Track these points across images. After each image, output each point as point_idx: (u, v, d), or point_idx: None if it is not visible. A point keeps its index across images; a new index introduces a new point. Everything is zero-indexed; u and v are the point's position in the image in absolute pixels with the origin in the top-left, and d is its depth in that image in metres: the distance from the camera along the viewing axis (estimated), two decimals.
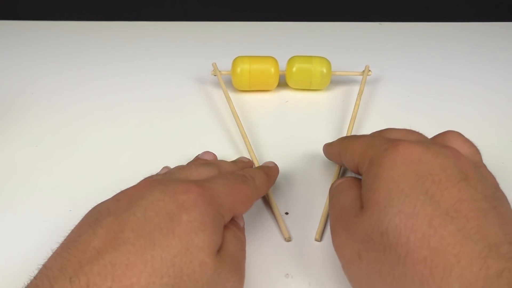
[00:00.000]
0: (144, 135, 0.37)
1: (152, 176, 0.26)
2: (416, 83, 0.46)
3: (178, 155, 0.33)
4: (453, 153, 0.22)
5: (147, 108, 0.41)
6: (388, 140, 0.23)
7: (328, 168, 0.33)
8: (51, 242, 0.22)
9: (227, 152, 0.35)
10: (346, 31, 0.60)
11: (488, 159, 0.34)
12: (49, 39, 0.57)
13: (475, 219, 0.18)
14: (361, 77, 0.44)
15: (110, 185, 0.27)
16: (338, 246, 0.23)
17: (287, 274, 0.25)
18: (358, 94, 0.41)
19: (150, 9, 0.67)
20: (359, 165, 0.24)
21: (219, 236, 0.21)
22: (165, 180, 0.23)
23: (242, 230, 0.25)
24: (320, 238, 0.27)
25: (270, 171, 0.29)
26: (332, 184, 0.27)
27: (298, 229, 0.28)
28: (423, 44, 0.56)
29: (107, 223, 0.20)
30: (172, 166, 0.28)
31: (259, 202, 0.30)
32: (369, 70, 0.44)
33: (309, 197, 0.31)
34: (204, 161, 0.29)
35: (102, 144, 0.36)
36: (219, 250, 0.21)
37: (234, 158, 0.33)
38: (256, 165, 0.33)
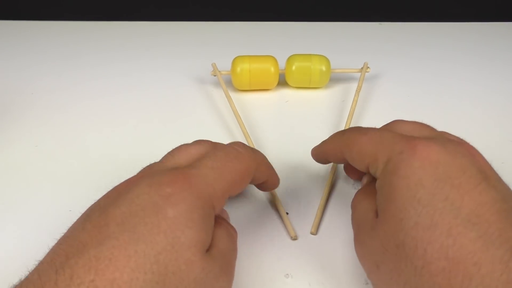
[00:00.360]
0: (144, 135, 0.37)
1: (150, 165, 0.25)
2: (416, 83, 0.46)
3: (183, 138, 0.33)
4: (469, 150, 0.21)
5: (147, 108, 0.41)
6: (401, 138, 0.22)
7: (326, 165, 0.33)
8: (51, 242, 0.22)
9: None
10: (346, 31, 0.60)
11: (488, 159, 0.34)
12: (49, 39, 0.57)
13: (497, 223, 0.18)
14: (359, 74, 0.45)
15: (110, 185, 0.27)
16: (360, 257, 0.22)
17: (287, 274, 0.25)
18: (356, 90, 0.41)
19: (150, 9, 0.67)
20: (370, 166, 0.23)
21: (208, 233, 0.20)
22: (152, 172, 0.22)
23: (229, 222, 0.24)
24: (316, 231, 0.28)
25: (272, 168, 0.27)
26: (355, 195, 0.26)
27: (298, 228, 0.28)
28: (423, 44, 0.56)
29: (94, 218, 0.20)
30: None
31: (259, 202, 0.30)
32: (368, 67, 0.45)
33: (308, 194, 0.31)
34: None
35: (102, 144, 0.36)
36: (210, 248, 0.21)
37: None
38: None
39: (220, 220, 0.23)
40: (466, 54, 0.53)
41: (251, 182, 0.25)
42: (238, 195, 0.30)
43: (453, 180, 0.19)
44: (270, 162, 0.27)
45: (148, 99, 0.43)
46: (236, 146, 0.24)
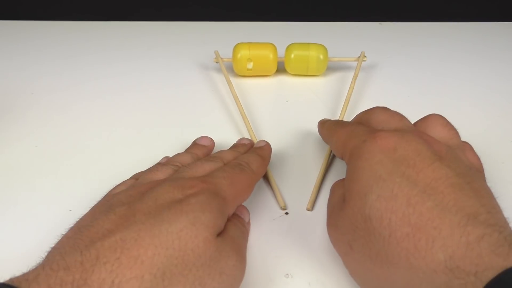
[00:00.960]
0: (148, 129, 0.37)
1: (156, 167, 0.28)
2: (416, 82, 0.46)
3: (183, 137, 0.36)
4: (426, 139, 0.23)
5: (150, 104, 0.41)
6: (368, 131, 0.25)
7: (322, 146, 0.34)
8: (51, 241, 0.22)
9: (229, 132, 0.38)
10: (346, 31, 0.60)
11: (488, 159, 0.35)
12: (49, 39, 0.57)
13: (451, 194, 0.20)
14: (356, 64, 0.46)
15: (110, 184, 0.27)
16: (333, 242, 0.24)
17: (287, 274, 0.25)
18: (353, 78, 0.43)
19: (150, 10, 0.67)
20: (343, 155, 0.26)
21: (222, 221, 0.22)
22: (174, 177, 0.25)
23: (245, 224, 0.27)
24: (312, 207, 0.29)
25: (263, 152, 0.31)
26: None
27: (298, 228, 0.28)
28: (423, 44, 0.56)
29: (120, 211, 0.22)
30: (176, 149, 0.32)
31: (259, 202, 0.30)
32: (365, 56, 0.46)
33: (303, 173, 0.33)
34: (205, 154, 0.32)
35: (102, 144, 0.36)
36: (221, 234, 0.22)
37: (235, 137, 0.36)
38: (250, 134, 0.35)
39: (231, 218, 0.25)
40: (466, 54, 0.53)
41: None
42: None
43: (409, 160, 0.21)
44: (267, 143, 0.32)
45: (152, 95, 0.43)
46: (241, 161, 0.28)
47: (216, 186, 0.24)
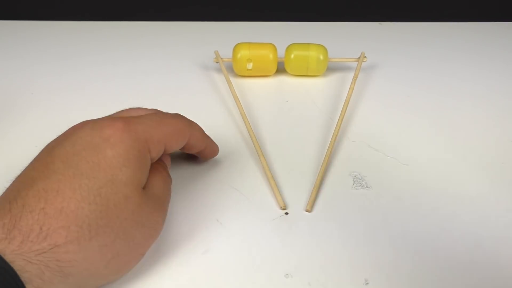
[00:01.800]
0: None
1: None
2: (416, 82, 0.46)
3: None
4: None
5: (151, 100, 0.41)
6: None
7: (322, 147, 0.33)
8: None
9: (229, 131, 0.38)
10: (346, 31, 0.60)
11: (488, 159, 0.35)
12: (49, 39, 0.57)
13: None
14: (356, 64, 0.46)
15: None
16: None
17: (287, 274, 0.25)
18: (353, 79, 0.43)
19: (150, 10, 0.67)
20: None
21: (143, 172, 0.23)
22: (98, 119, 0.25)
23: (169, 177, 0.27)
24: (311, 209, 0.29)
25: (209, 137, 0.31)
26: None
27: (298, 228, 0.28)
28: (423, 44, 0.56)
29: (42, 157, 0.23)
30: None
31: (259, 202, 0.30)
32: (365, 57, 0.46)
33: (303, 174, 0.32)
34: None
35: None
36: (145, 188, 0.24)
37: (235, 137, 0.37)
38: (255, 143, 0.35)
39: (157, 166, 0.26)
40: (466, 54, 0.53)
41: (191, 151, 0.30)
42: (237, 196, 0.31)
43: None
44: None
45: (152, 94, 0.43)
46: (175, 113, 0.28)
47: (139, 126, 0.24)
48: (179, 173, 0.32)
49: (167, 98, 0.43)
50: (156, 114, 0.26)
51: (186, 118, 0.28)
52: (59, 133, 0.37)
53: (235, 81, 0.45)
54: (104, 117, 0.25)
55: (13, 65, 0.50)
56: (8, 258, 0.18)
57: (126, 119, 0.24)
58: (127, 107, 0.42)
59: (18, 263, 0.19)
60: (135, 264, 0.24)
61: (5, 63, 0.50)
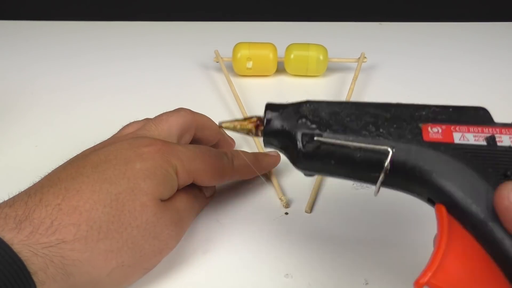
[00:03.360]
0: None
1: (131, 123, 0.29)
2: (416, 82, 0.46)
3: None
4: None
5: (151, 99, 0.42)
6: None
7: None
8: None
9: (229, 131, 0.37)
10: (346, 31, 0.60)
11: None
12: (49, 39, 0.56)
13: None
14: (356, 65, 0.46)
15: None
16: None
17: (287, 274, 0.25)
18: (353, 79, 0.43)
19: (150, 10, 0.67)
20: None
21: (166, 189, 0.23)
22: (137, 134, 0.26)
23: (203, 197, 0.27)
24: (310, 210, 0.29)
25: (264, 157, 0.30)
26: None
27: (298, 229, 0.28)
28: (423, 44, 0.56)
29: (76, 161, 0.24)
30: None
31: (259, 202, 0.30)
32: (365, 57, 0.46)
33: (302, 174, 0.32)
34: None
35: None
36: (166, 201, 0.24)
37: (235, 136, 0.35)
38: (257, 143, 0.35)
39: (189, 189, 0.26)
40: (466, 54, 0.53)
41: (206, 143, 0.30)
42: (240, 196, 0.31)
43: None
44: (278, 154, 0.32)
45: (152, 94, 0.43)
46: (227, 151, 0.28)
47: (175, 151, 0.24)
48: None
49: (167, 97, 0.43)
50: (199, 147, 0.26)
51: (229, 157, 0.27)
52: (59, 133, 0.38)
53: (235, 80, 0.45)
54: (144, 135, 0.26)
55: (13, 65, 0.50)
56: (16, 248, 0.19)
57: (166, 142, 0.24)
58: (127, 106, 0.42)
59: (24, 254, 0.19)
60: (137, 279, 0.23)
61: (5, 63, 0.50)
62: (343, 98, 0.42)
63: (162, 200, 0.23)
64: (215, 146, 0.31)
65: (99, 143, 0.26)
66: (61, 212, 0.20)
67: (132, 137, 0.25)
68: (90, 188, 0.21)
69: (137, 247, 0.22)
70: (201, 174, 0.25)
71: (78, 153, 0.26)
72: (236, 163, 0.27)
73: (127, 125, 0.29)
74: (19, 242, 0.19)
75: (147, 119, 0.29)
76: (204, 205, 0.28)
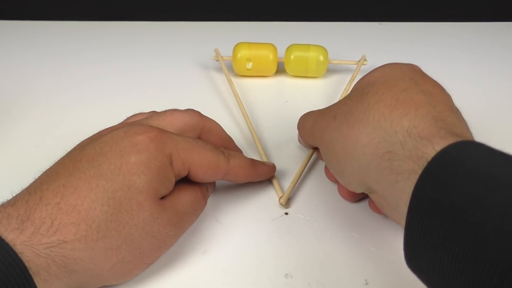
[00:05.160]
0: None
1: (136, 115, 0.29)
2: None
3: None
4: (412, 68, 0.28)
5: (152, 98, 0.41)
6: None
7: None
8: None
9: (229, 131, 0.37)
10: (346, 31, 0.60)
11: None
12: (49, 39, 0.57)
13: (438, 95, 0.24)
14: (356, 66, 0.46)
15: None
16: (316, 120, 0.28)
17: (287, 274, 0.25)
18: (350, 80, 0.43)
19: (150, 10, 0.67)
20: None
21: (162, 184, 0.23)
22: (134, 123, 0.25)
23: (205, 194, 0.27)
24: (285, 203, 0.29)
25: (260, 164, 0.30)
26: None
27: (298, 228, 0.28)
28: (423, 44, 0.56)
29: (73, 154, 0.24)
30: None
31: (259, 202, 0.30)
32: (365, 60, 0.46)
33: (303, 174, 0.31)
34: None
35: None
36: (165, 199, 0.23)
37: (236, 136, 0.36)
38: (256, 141, 0.35)
39: (194, 185, 0.26)
40: (466, 54, 0.53)
41: (237, 181, 0.29)
42: (240, 196, 0.31)
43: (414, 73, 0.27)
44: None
45: (152, 94, 0.43)
46: (223, 149, 0.27)
47: (170, 140, 0.24)
48: None
49: (167, 97, 0.43)
50: (195, 140, 0.26)
51: (225, 155, 0.26)
52: (59, 133, 0.38)
53: (234, 81, 0.45)
54: (139, 123, 0.25)
55: (13, 65, 0.50)
56: (18, 249, 0.19)
57: (162, 130, 0.24)
58: (127, 106, 0.42)
59: (27, 254, 0.19)
60: (139, 272, 0.24)
61: (5, 63, 0.50)
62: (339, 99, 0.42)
63: (161, 198, 0.23)
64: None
65: (98, 132, 0.26)
66: (60, 211, 0.20)
67: (131, 123, 0.25)
68: (87, 186, 0.21)
69: (135, 245, 0.22)
70: (196, 166, 0.25)
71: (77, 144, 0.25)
72: (231, 162, 0.27)
73: (133, 115, 0.29)
74: (21, 243, 0.19)
75: (153, 111, 0.29)
76: (204, 207, 0.27)
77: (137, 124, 0.25)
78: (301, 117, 0.32)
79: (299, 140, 0.34)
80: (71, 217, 0.20)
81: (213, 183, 0.30)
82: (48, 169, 0.23)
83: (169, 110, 0.28)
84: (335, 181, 0.30)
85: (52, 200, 0.21)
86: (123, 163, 0.22)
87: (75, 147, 0.25)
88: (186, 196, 0.25)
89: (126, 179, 0.22)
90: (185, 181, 0.25)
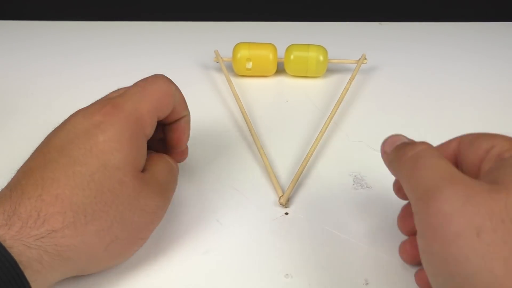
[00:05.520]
0: None
1: None
2: (416, 83, 0.46)
3: None
4: None
5: None
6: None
7: (321, 147, 0.33)
8: None
9: (229, 130, 0.38)
10: (346, 31, 0.60)
11: None
12: (49, 39, 0.57)
13: None
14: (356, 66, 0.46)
15: None
16: (447, 213, 0.18)
17: (287, 274, 0.25)
18: (350, 79, 0.43)
19: (150, 10, 0.67)
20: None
21: (138, 153, 0.23)
22: (88, 105, 0.25)
23: (174, 160, 0.27)
24: (285, 203, 0.29)
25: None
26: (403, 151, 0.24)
27: (298, 228, 0.28)
28: (423, 44, 0.56)
29: (40, 148, 0.24)
30: None
31: (259, 202, 0.30)
32: (365, 59, 0.46)
33: (303, 174, 0.31)
34: None
35: None
36: (144, 171, 0.24)
37: (236, 136, 0.37)
38: (256, 141, 0.35)
39: (163, 155, 0.26)
40: (466, 54, 0.53)
41: (174, 117, 0.27)
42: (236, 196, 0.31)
43: None
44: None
45: None
46: (154, 75, 0.27)
47: (126, 105, 0.24)
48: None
49: None
50: (137, 84, 0.25)
51: (166, 77, 0.27)
52: None
53: (234, 80, 0.45)
54: (95, 102, 0.25)
55: (13, 65, 0.50)
56: (8, 243, 0.19)
57: (114, 101, 0.24)
58: None
59: (17, 248, 0.19)
60: (137, 249, 0.24)
61: (5, 63, 0.50)
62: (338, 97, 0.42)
63: (142, 171, 0.23)
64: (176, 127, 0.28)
65: (58, 125, 0.25)
66: (44, 202, 0.20)
67: (85, 107, 0.25)
68: (63, 174, 0.21)
69: (127, 221, 0.22)
70: (160, 105, 0.25)
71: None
72: (174, 86, 0.27)
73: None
74: (11, 238, 0.19)
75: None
76: (177, 172, 0.27)
77: (91, 104, 0.25)
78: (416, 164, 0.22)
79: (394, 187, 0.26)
80: (56, 207, 0.20)
81: (184, 152, 0.29)
82: (20, 168, 0.23)
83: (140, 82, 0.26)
84: (403, 198, 0.26)
85: (34, 194, 0.21)
86: (92, 145, 0.22)
87: (41, 143, 0.25)
88: (161, 166, 0.25)
89: (100, 159, 0.22)
90: (153, 153, 0.26)
